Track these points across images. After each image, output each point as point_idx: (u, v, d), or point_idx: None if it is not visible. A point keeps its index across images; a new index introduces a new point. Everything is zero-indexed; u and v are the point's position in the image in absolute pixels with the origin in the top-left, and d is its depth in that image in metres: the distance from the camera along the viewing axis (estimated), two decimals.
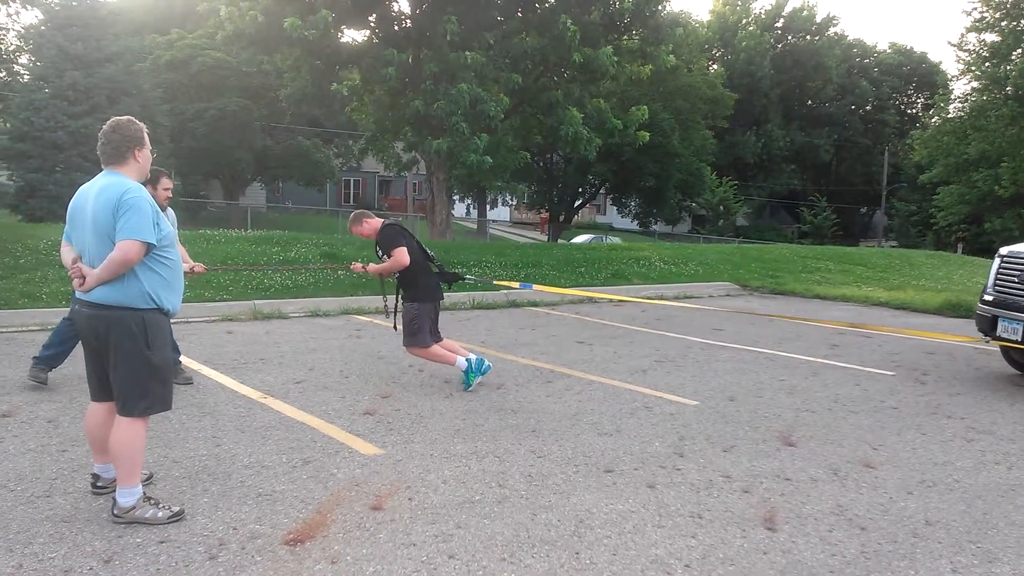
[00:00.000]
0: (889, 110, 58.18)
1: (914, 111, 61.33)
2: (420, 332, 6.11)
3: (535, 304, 11.55)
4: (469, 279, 7.75)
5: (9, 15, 27.02)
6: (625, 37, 17.03)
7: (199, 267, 6.24)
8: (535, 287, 9.66)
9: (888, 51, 60.36)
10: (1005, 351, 7.53)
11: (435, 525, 3.68)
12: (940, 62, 67.91)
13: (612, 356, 7.94)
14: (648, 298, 12.19)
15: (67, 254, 3.73)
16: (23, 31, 30.21)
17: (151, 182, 5.90)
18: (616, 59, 15.62)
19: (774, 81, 51.31)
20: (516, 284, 9.85)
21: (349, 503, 3.90)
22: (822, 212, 49.86)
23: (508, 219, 57.51)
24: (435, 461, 4.56)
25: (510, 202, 53.72)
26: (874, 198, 55.56)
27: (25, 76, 23.71)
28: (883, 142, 56.60)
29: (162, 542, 3.42)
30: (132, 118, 3.78)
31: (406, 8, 17.68)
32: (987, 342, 7.52)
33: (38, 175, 17.46)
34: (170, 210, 6.14)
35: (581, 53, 14.96)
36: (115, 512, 3.59)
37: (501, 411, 5.70)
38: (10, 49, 41.94)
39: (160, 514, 3.61)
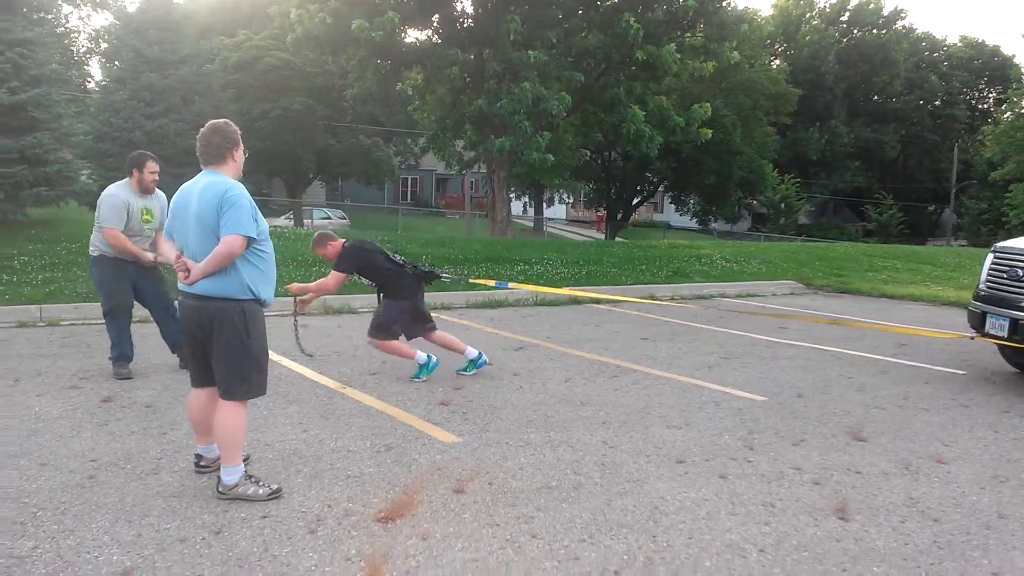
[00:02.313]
0: (959, 105, 56.47)
1: (985, 106, 59.38)
2: (387, 327, 6.25)
3: (597, 302, 11.65)
4: (446, 277, 7.83)
5: (80, 18, 28.10)
6: (688, 34, 16.99)
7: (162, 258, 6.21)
8: (511, 285, 9.73)
9: (958, 44, 58.57)
10: (1002, 349, 7.38)
11: (515, 508, 3.86)
12: (1013, 55, 65.54)
13: (677, 352, 8.03)
14: (674, 298, 12.19)
15: (169, 249, 4.00)
16: (94, 33, 31.48)
17: (136, 166, 6.12)
18: (679, 56, 15.60)
19: (839, 76, 50.27)
20: (492, 282, 9.88)
21: (433, 486, 4.11)
22: (888, 210, 48.68)
23: (564, 217, 57.51)
24: (511, 449, 4.74)
25: (567, 200, 53.77)
26: (942, 196, 54.01)
27: (95, 79, 24.56)
28: (952, 138, 54.96)
29: (264, 517, 3.67)
30: (228, 121, 4.04)
31: (468, 8, 17.94)
32: (972, 339, 7.47)
33: (116, 173, 18.20)
34: (160, 193, 6.26)
35: (644, 51, 15.00)
36: (220, 489, 3.86)
37: (571, 403, 5.86)
38: (81, 51, 43.61)
39: (261, 491, 3.87)
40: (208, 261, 3.74)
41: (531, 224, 42.36)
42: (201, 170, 3.94)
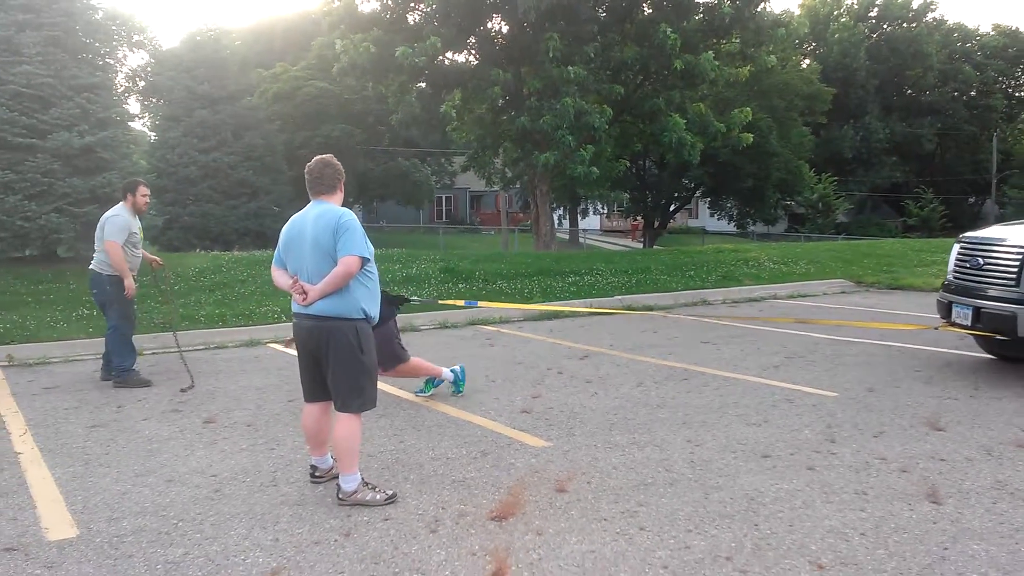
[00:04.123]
0: (996, 95, 55.51)
1: (1023, 94, 58.36)
2: (391, 353, 6.03)
3: (650, 308, 11.82)
4: (415, 300, 7.98)
5: (117, 60, 28.94)
6: (724, 41, 17.15)
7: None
8: (480, 304, 9.87)
9: (992, 34, 57.65)
10: (977, 338, 7.38)
11: (618, 504, 4.07)
12: None
13: (740, 354, 8.17)
14: (726, 302, 12.26)
15: (281, 276, 4.30)
16: (131, 72, 32.52)
17: (130, 190, 7.06)
18: (717, 63, 15.77)
19: (870, 72, 49.82)
20: (462, 302, 10.03)
21: (535, 487, 4.33)
22: (929, 204, 48.02)
23: (598, 228, 57.60)
24: (600, 451, 4.96)
25: (601, 211, 53.88)
26: (983, 187, 53.13)
27: (133, 116, 25.25)
28: (991, 128, 54.05)
29: (386, 520, 3.92)
30: (333, 156, 4.37)
31: (504, 28, 18.29)
32: (936, 328, 7.55)
33: (174, 208, 18.96)
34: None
35: (682, 60, 15.19)
36: (340, 496, 4.13)
37: (647, 406, 6.06)
38: (119, 91, 45.00)
39: (378, 496, 4.13)
40: (326, 282, 4.03)
41: (567, 236, 42.58)
42: (309, 201, 4.26)
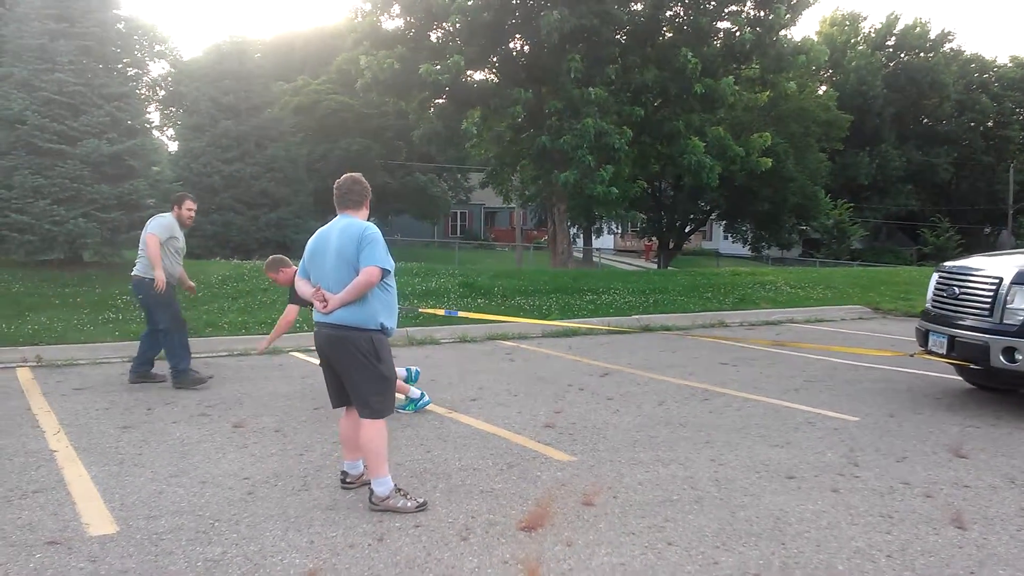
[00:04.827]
0: (1013, 125, 55.48)
1: None
2: None
3: (667, 328, 11.88)
4: (399, 308, 8.09)
5: (144, 69, 29.28)
6: (744, 66, 17.30)
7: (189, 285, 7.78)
8: (460, 314, 9.96)
9: (1009, 65, 57.70)
10: (957, 367, 7.38)
11: (645, 519, 4.13)
12: None
13: (759, 376, 8.21)
14: (743, 324, 12.29)
15: (305, 286, 4.43)
16: (151, 82, 32.94)
17: (177, 203, 7.36)
18: (736, 88, 15.90)
19: (887, 100, 49.91)
20: (442, 311, 10.17)
21: (562, 499, 4.40)
22: (944, 233, 47.90)
23: (612, 247, 57.68)
24: (625, 467, 5.01)
25: (615, 230, 54.00)
26: (998, 217, 52.95)
27: (154, 125, 25.54)
28: (1007, 159, 53.97)
29: (417, 526, 4.00)
30: (361, 175, 4.55)
31: (525, 48, 18.49)
32: (912, 356, 7.61)
33: (196, 216, 19.09)
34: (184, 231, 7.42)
35: (702, 84, 15.33)
36: (372, 500, 4.21)
37: (670, 424, 6.11)
38: (140, 100, 45.62)
39: (409, 504, 4.20)
40: (347, 291, 4.15)
41: (580, 255, 42.67)
42: (337, 214, 4.40)
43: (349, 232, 4.20)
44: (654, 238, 40.52)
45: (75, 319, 9.92)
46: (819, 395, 7.28)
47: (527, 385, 7.62)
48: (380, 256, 4.14)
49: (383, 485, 4.22)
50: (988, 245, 57.00)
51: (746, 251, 44.44)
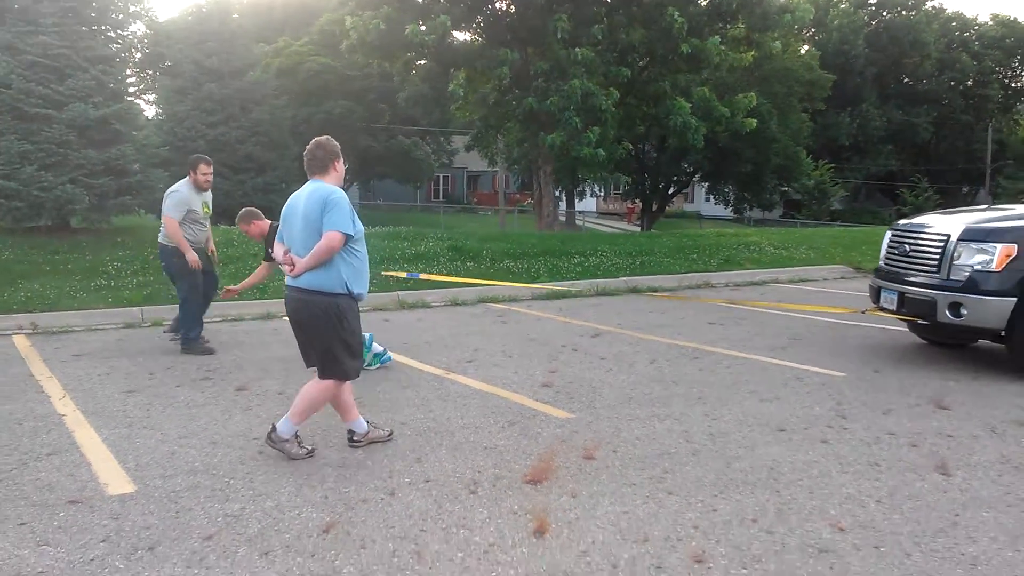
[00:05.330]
0: (992, 84, 55.73)
1: (1019, 85, 58.57)
2: None
3: (654, 290, 12.04)
4: None
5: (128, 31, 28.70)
6: (730, 25, 17.28)
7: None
8: (422, 276, 10.12)
9: (990, 23, 57.81)
10: (908, 323, 7.62)
11: (645, 471, 4.30)
12: None
13: (747, 335, 8.40)
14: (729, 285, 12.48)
15: (278, 249, 4.56)
16: (124, 43, 32.23)
17: (192, 167, 7.27)
18: (723, 48, 15.92)
19: (869, 59, 49.91)
20: (404, 274, 10.38)
21: (564, 454, 4.56)
22: (923, 193, 48.34)
23: (595, 210, 57.75)
24: (622, 423, 5.18)
25: (598, 193, 54.04)
26: (977, 177, 53.42)
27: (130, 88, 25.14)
28: (986, 118, 54.34)
29: (427, 481, 4.15)
30: (329, 137, 4.60)
31: (512, 8, 18.34)
32: (863, 312, 7.91)
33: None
34: (208, 192, 7.37)
35: (689, 44, 15.33)
36: (272, 437, 4.44)
37: (662, 382, 6.29)
38: (116, 61, 44.71)
39: (301, 452, 4.46)
40: (311, 256, 4.26)
41: (564, 218, 42.68)
42: (307, 180, 4.47)
43: (314, 197, 4.29)
44: (637, 200, 40.61)
45: (67, 286, 9.92)
46: (805, 352, 7.48)
47: (521, 346, 7.76)
48: (342, 221, 4.22)
49: (288, 429, 4.43)
50: (966, 204, 57.47)
51: (728, 213, 44.67)
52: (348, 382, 4.59)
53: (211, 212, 7.49)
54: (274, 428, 4.45)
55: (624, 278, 12.61)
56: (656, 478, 4.19)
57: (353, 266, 4.36)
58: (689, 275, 13.13)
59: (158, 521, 3.62)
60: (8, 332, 8.16)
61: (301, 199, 4.37)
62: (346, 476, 4.21)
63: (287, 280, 4.46)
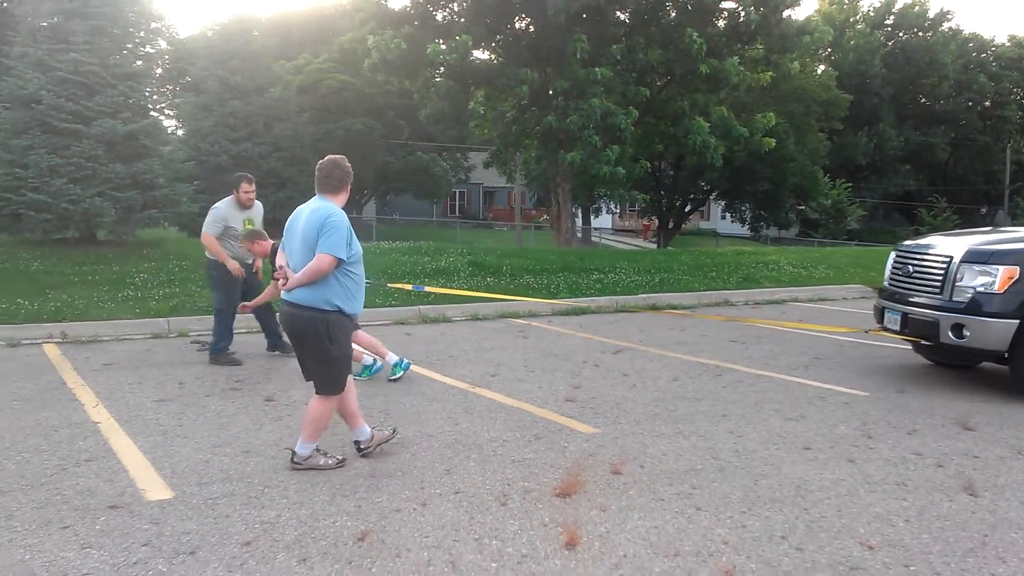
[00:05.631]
0: (1010, 106, 55.51)
1: None
2: None
3: (674, 307, 12.07)
4: (367, 282, 8.41)
5: (157, 48, 29.17)
6: (749, 46, 17.38)
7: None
8: (427, 288, 10.22)
9: (1007, 45, 57.70)
10: (913, 344, 7.62)
11: (672, 486, 4.34)
12: None
13: (768, 353, 8.42)
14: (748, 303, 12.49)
15: (280, 259, 4.65)
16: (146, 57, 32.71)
17: (235, 186, 7.52)
18: (741, 68, 16.02)
19: (885, 80, 49.92)
20: (409, 286, 10.48)
21: (591, 468, 4.60)
22: (942, 213, 48.13)
23: (610, 227, 57.82)
24: (648, 438, 5.22)
25: (614, 210, 54.14)
26: (995, 198, 53.21)
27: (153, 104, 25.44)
28: (1004, 139, 54.15)
29: (457, 492, 4.20)
30: (345, 158, 4.65)
31: (531, 28, 18.53)
32: (866, 332, 7.93)
33: (204, 195, 19.26)
34: (259, 204, 7.70)
35: (708, 64, 15.43)
36: (295, 461, 4.51)
37: (685, 399, 6.32)
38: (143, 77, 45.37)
39: (330, 461, 4.53)
40: (302, 273, 4.35)
41: (580, 234, 42.78)
42: (315, 194, 4.54)
43: (315, 216, 4.36)
44: (653, 217, 40.65)
45: (95, 296, 10.07)
46: (828, 371, 7.50)
47: (543, 361, 7.81)
48: (336, 245, 4.28)
49: (307, 448, 4.51)
50: (985, 225, 57.13)
51: (744, 231, 44.61)
52: (352, 391, 4.69)
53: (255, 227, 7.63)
54: (294, 453, 4.52)
55: (643, 295, 12.66)
56: (684, 494, 4.23)
57: (347, 287, 4.43)
58: (708, 293, 13.16)
59: (197, 527, 3.69)
60: (39, 341, 8.30)
61: (303, 215, 4.44)
62: (378, 486, 4.27)
63: (282, 294, 4.54)
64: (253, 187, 7.54)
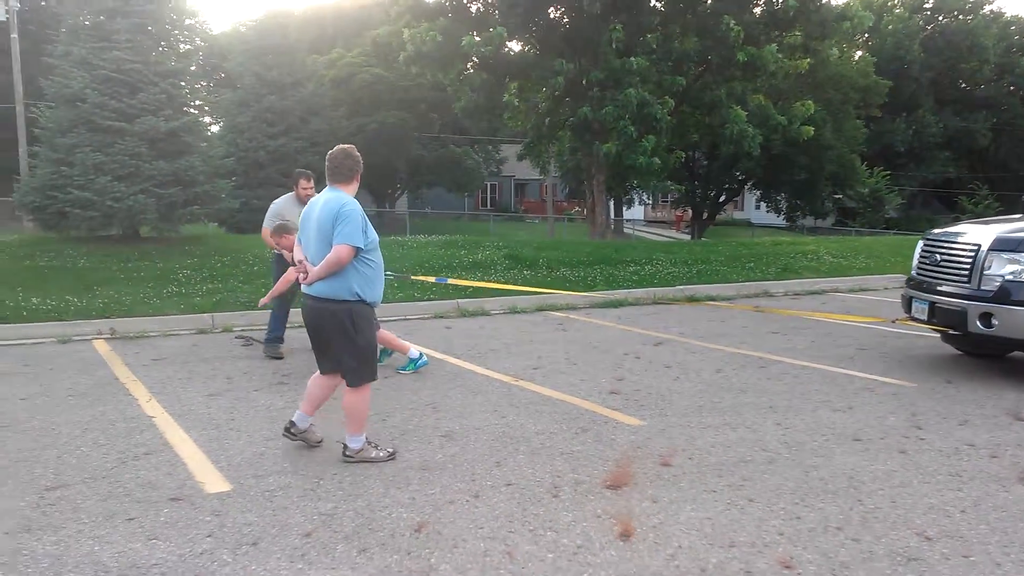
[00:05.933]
0: None
1: None
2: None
3: (712, 299, 12.00)
4: (388, 275, 8.39)
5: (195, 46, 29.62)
6: (787, 33, 17.17)
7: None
8: (450, 280, 10.17)
9: None
10: (942, 334, 7.43)
11: (723, 478, 4.34)
12: None
13: (811, 344, 8.35)
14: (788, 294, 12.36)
15: (298, 253, 4.69)
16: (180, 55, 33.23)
17: (294, 182, 7.63)
18: (779, 55, 15.83)
19: (925, 65, 48.95)
20: (433, 278, 10.45)
21: (640, 460, 4.62)
22: (983, 200, 47.12)
23: (642, 218, 57.50)
24: (696, 430, 5.22)
25: (647, 201, 53.84)
26: None
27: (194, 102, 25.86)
28: None
29: (508, 484, 4.24)
30: (354, 147, 4.66)
31: (565, 18, 18.47)
32: (893, 322, 7.86)
33: (242, 191, 19.57)
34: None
35: (745, 52, 15.27)
36: (346, 454, 4.57)
37: (731, 391, 6.30)
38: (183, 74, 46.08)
39: (381, 453, 4.59)
40: (321, 266, 4.37)
41: (612, 226, 42.59)
42: (326, 186, 4.56)
43: (329, 207, 4.38)
44: (687, 208, 40.36)
45: (141, 293, 10.28)
46: (873, 362, 7.42)
47: (584, 354, 7.82)
48: (353, 235, 4.29)
49: (357, 441, 4.56)
50: None
51: (779, 221, 44.11)
52: (337, 383, 4.71)
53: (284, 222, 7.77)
54: (346, 446, 4.59)
55: (681, 287, 12.59)
56: (735, 485, 4.23)
57: (366, 275, 4.45)
58: (747, 284, 13.06)
59: (257, 518, 3.78)
60: (88, 337, 8.49)
61: (317, 207, 4.47)
62: (430, 479, 4.33)
63: (303, 288, 4.58)
64: (312, 183, 7.62)
